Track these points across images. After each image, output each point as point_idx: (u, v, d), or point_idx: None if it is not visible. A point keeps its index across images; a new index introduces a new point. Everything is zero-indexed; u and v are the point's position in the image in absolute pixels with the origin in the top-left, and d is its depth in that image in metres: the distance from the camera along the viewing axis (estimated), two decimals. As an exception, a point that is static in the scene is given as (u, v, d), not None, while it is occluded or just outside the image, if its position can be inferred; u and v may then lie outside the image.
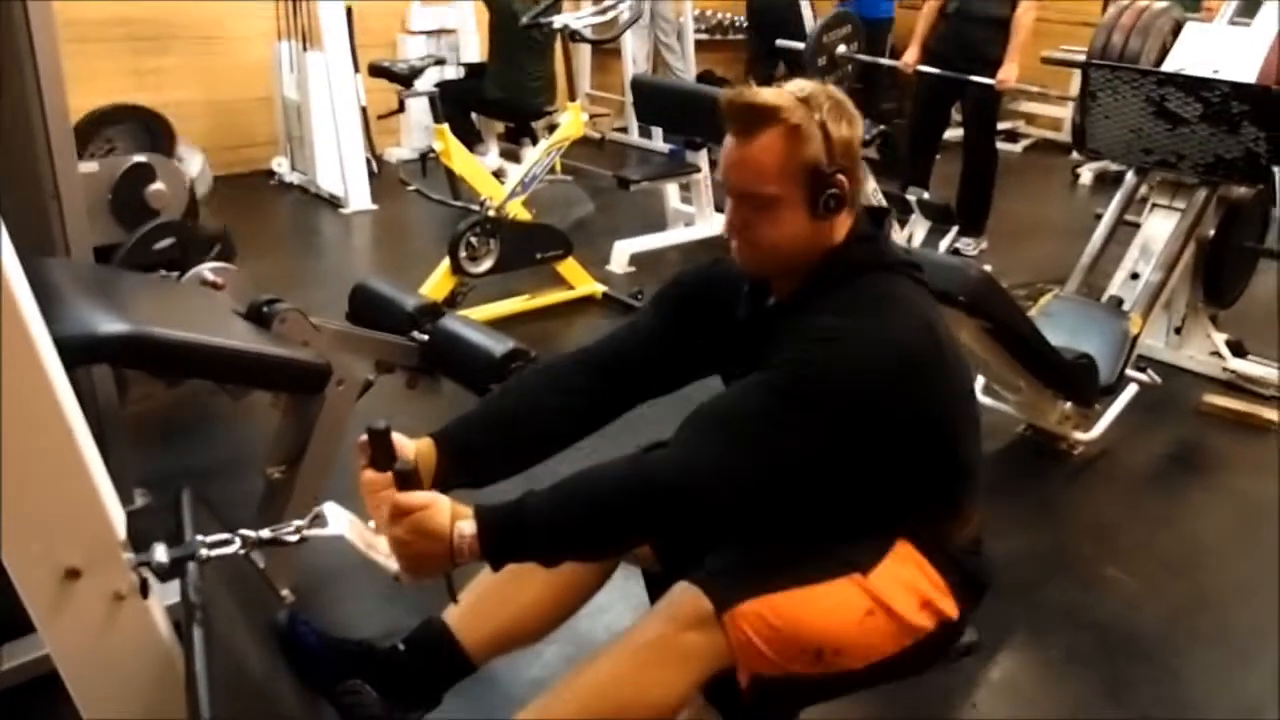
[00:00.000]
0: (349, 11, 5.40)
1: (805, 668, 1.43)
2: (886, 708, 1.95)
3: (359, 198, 5.36)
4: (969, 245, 4.92)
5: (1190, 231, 3.34)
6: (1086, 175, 6.50)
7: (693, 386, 1.64)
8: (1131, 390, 3.21)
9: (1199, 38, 3.41)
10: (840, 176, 1.40)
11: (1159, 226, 3.41)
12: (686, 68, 7.02)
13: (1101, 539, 2.66)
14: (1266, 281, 4.04)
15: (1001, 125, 6.07)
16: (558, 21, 4.23)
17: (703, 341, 1.59)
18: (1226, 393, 3.46)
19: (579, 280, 4.19)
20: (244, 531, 1.33)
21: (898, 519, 1.51)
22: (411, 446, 1.45)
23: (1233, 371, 3.53)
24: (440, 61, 4.59)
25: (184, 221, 2.75)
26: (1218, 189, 3.33)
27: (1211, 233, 3.40)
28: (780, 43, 5.47)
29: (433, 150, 4.10)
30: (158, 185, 2.73)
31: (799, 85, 1.42)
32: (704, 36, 7.36)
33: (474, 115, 5.56)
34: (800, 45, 4.74)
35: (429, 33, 6.16)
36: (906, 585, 1.47)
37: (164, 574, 1.24)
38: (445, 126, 3.95)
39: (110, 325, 1.64)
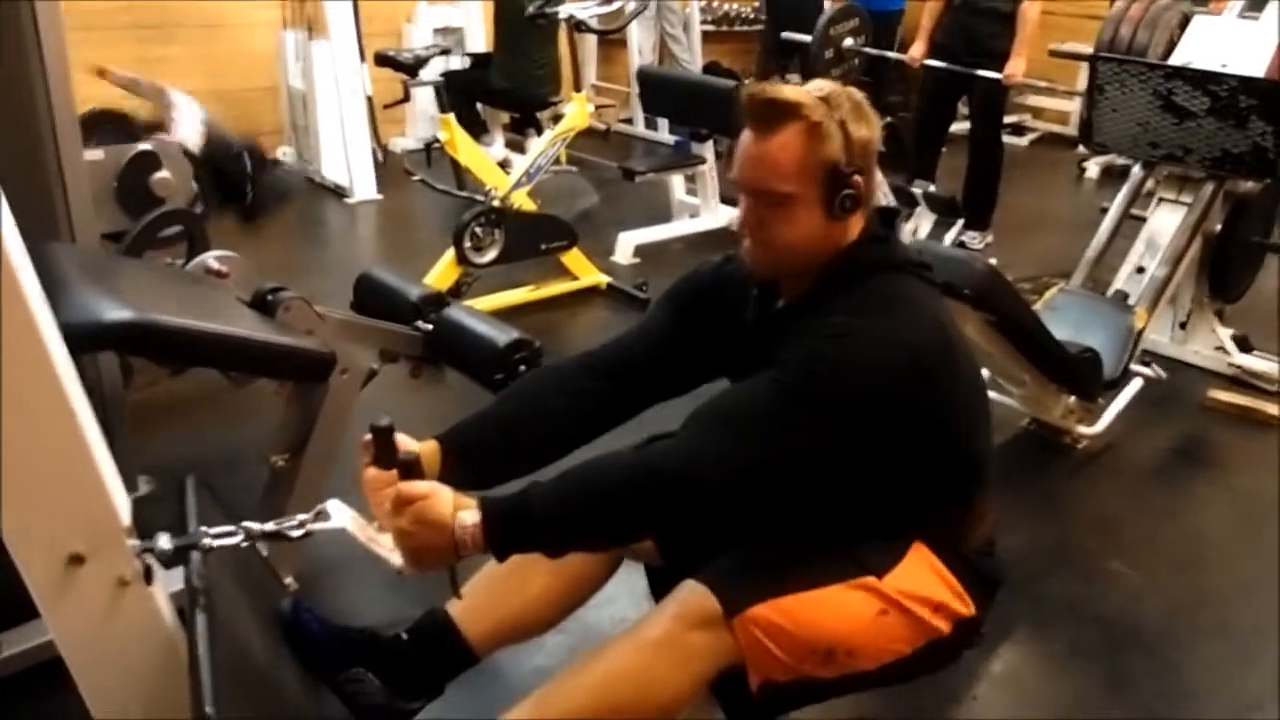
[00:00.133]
0: (355, 0, 5.39)
1: (817, 669, 1.43)
2: (887, 700, 1.95)
3: (364, 187, 5.36)
4: (974, 239, 4.91)
5: (1196, 226, 3.33)
6: (1093, 169, 6.48)
7: (704, 389, 1.63)
8: (1136, 385, 3.21)
9: (1207, 31, 3.40)
10: (857, 177, 1.40)
11: (1165, 221, 3.40)
12: (693, 59, 7.00)
13: (1105, 533, 2.66)
14: (1272, 276, 4.03)
15: (1008, 119, 6.05)
16: (563, 11, 4.21)
17: (710, 343, 1.59)
18: (1231, 388, 3.45)
19: (583, 271, 4.18)
20: (247, 524, 1.33)
21: (911, 519, 1.50)
22: (415, 447, 1.44)
23: (1238, 366, 3.52)
24: (446, 51, 4.58)
25: (189, 209, 2.75)
26: (1224, 183, 3.31)
27: (1218, 227, 3.39)
28: (786, 35, 5.45)
29: (438, 140, 4.09)
30: (163, 173, 2.73)
31: (819, 84, 1.41)
32: (710, 28, 7.34)
33: (479, 105, 5.55)
34: (808, 38, 4.73)
35: (435, 30, 6.16)
36: (921, 589, 1.46)
37: (168, 561, 1.24)
38: (450, 116, 3.95)
39: (115, 312, 1.64)
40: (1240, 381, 3.50)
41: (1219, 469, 3.11)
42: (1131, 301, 3.26)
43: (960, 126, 5.29)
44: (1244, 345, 3.57)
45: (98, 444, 1.19)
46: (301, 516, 1.38)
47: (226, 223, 3.11)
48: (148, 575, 1.22)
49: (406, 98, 4.45)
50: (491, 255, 3.87)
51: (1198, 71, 3.12)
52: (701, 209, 4.90)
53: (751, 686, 1.41)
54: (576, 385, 1.58)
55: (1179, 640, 2.25)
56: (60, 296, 1.58)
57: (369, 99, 5.57)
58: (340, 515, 1.38)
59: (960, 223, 4.69)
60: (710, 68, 7.12)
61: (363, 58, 5.39)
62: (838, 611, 1.42)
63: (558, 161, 4.48)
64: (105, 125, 3.16)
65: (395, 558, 1.31)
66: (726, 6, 7.56)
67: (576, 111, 4.23)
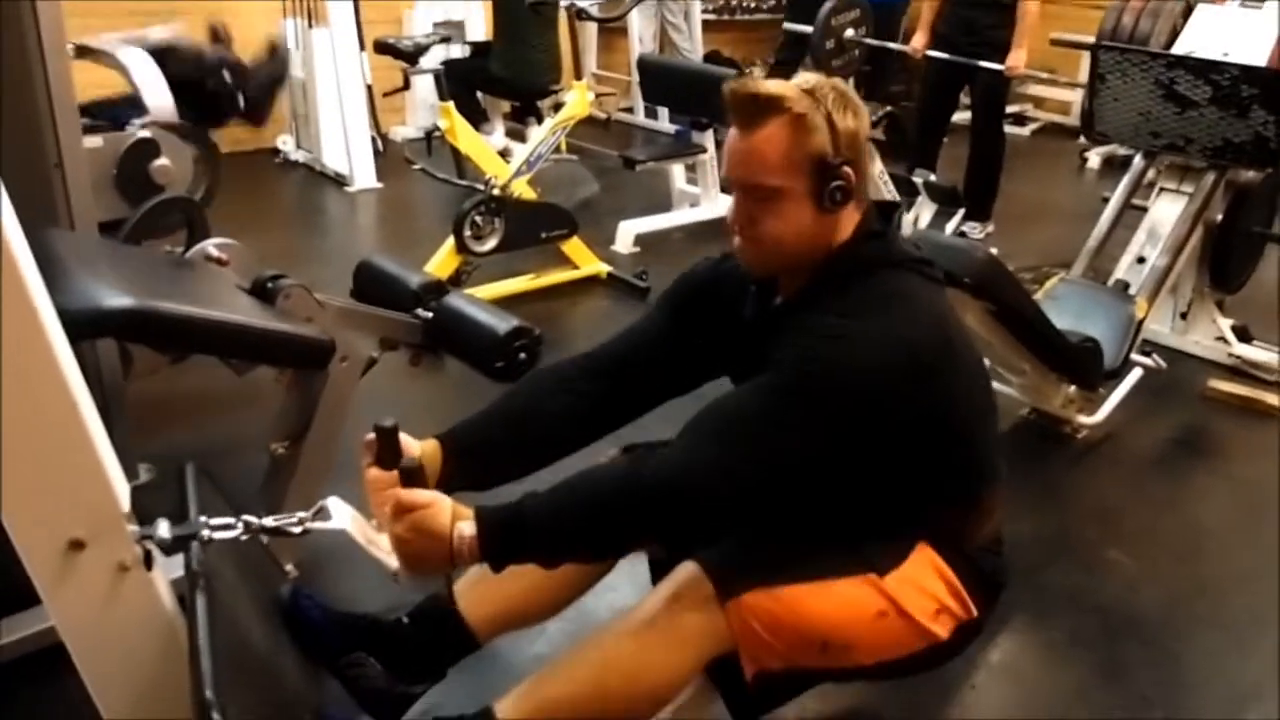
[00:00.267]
0: (355, -12, 5.38)
1: (811, 660, 1.43)
2: (885, 690, 1.95)
3: (364, 176, 5.35)
4: (975, 229, 4.90)
5: (1198, 216, 3.32)
6: (1094, 159, 6.48)
7: (708, 388, 1.63)
8: (1136, 374, 3.21)
9: (1210, 20, 3.39)
10: (846, 168, 1.38)
11: (1166, 210, 3.40)
12: (693, 48, 6.98)
13: (1104, 523, 2.67)
14: (1273, 267, 4.03)
15: (1009, 108, 6.04)
16: (564, -1, 4.21)
17: (709, 341, 1.58)
18: (1231, 378, 3.45)
19: (584, 260, 4.18)
20: (248, 517, 1.34)
21: (914, 517, 1.50)
22: (417, 446, 1.44)
23: (1238, 357, 3.52)
24: (446, 39, 4.57)
25: (189, 197, 2.74)
26: (1226, 173, 3.31)
27: (1219, 217, 3.38)
28: (787, 25, 5.44)
29: (438, 129, 4.08)
30: (162, 161, 2.72)
31: (804, 77, 1.41)
32: (711, 16, 7.33)
33: (479, 94, 5.54)
34: (808, 29, 4.72)
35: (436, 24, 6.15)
36: (923, 591, 1.46)
37: (167, 549, 1.24)
38: (451, 104, 3.94)
39: (114, 299, 1.64)
40: (1240, 372, 3.50)
41: (1219, 459, 3.11)
42: (1132, 291, 3.26)
43: (962, 116, 5.28)
44: (1244, 335, 3.57)
45: (97, 430, 1.19)
46: (302, 514, 1.38)
47: (226, 210, 3.11)
48: (148, 561, 1.23)
49: (406, 86, 4.45)
50: (491, 244, 3.87)
51: (1200, 61, 3.11)
52: (702, 198, 4.90)
53: (746, 676, 1.41)
54: (575, 386, 1.57)
55: (1178, 630, 2.25)
56: (59, 283, 1.57)
57: (369, 87, 5.56)
58: (340, 514, 1.38)
59: (961, 213, 4.69)
60: (711, 56, 7.11)
61: (362, 46, 5.38)
62: (835, 605, 1.41)
63: (558, 150, 4.47)
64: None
65: (392, 561, 1.31)
66: (727, -5, 7.55)
67: (577, 100, 4.22)
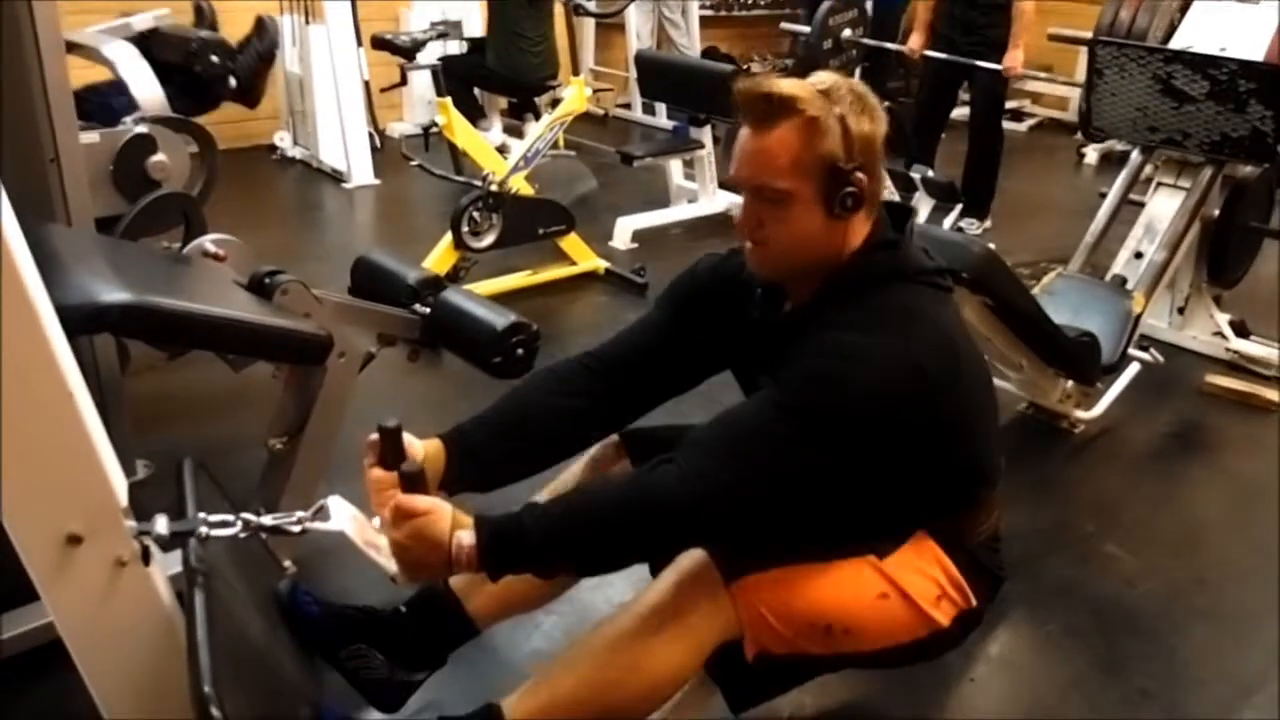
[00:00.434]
0: (352, -16, 5.37)
1: (814, 645, 1.43)
2: (884, 682, 1.96)
3: (361, 172, 5.35)
4: (973, 225, 4.91)
5: (1195, 211, 3.32)
6: (1091, 154, 6.48)
7: (712, 385, 1.63)
8: (1134, 369, 3.21)
9: (1207, 15, 3.39)
10: (859, 174, 1.34)
11: (1164, 205, 3.40)
12: (691, 44, 6.98)
13: (1102, 516, 2.67)
14: (1270, 262, 4.03)
15: (1007, 104, 6.04)
16: (562, -7, 4.21)
17: (712, 339, 1.57)
18: (1229, 373, 3.45)
19: (581, 256, 4.18)
20: (246, 515, 1.34)
21: (914, 518, 1.50)
22: (420, 446, 1.43)
23: (1235, 352, 3.53)
24: (443, 35, 4.57)
25: (186, 193, 2.73)
26: (1223, 168, 3.31)
27: (1216, 212, 3.38)
28: (785, 26, 5.44)
29: (436, 125, 4.08)
30: (159, 157, 2.71)
31: (820, 77, 1.37)
32: (709, 12, 7.32)
33: (477, 90, 5.53)
34: (806, 29, 4.74)
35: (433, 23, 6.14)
36: (923, 575, 1.47)
37: (165, 544, 1.24)
38: (448, 100, 3.94)
39: (112, 294, 1.63)
40: (1237, 366, 3.50)
41: (1216, 454, 3.12)
42: (1130, 286, 3.26)
43: (961, 113, 5.28)
44: (1241, 330, 3.57)
45: (95, 425, 1.19)
46: (301, 513, 1.38)
47: (224, 206, 3.11)
48: (145, 557, 1.22)
49: (403, 82, 4.43)
50: (489, 240, 3.86)
51: (1197, 55, 3.11)
52: (699, 194, 4.89)
53: (747, 656, 1.41)
54: (577, 386, 1.56)
55: (1173, 622, 2.26)
56: (57, 279, 1.57)
57: (366, 83, 5.55)
58: (341, 514, 1.37)
59: (958, 208, 4.70)
60: (709, 52, 7.11)
61: (359, 42, 5.37)
62: (838, 587, 1.42)
63: (556, 146, 4.47)
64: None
65: (391, 565, 1.31)
66: (725, -9, 7.55)
67: (574, 96, 4.22)
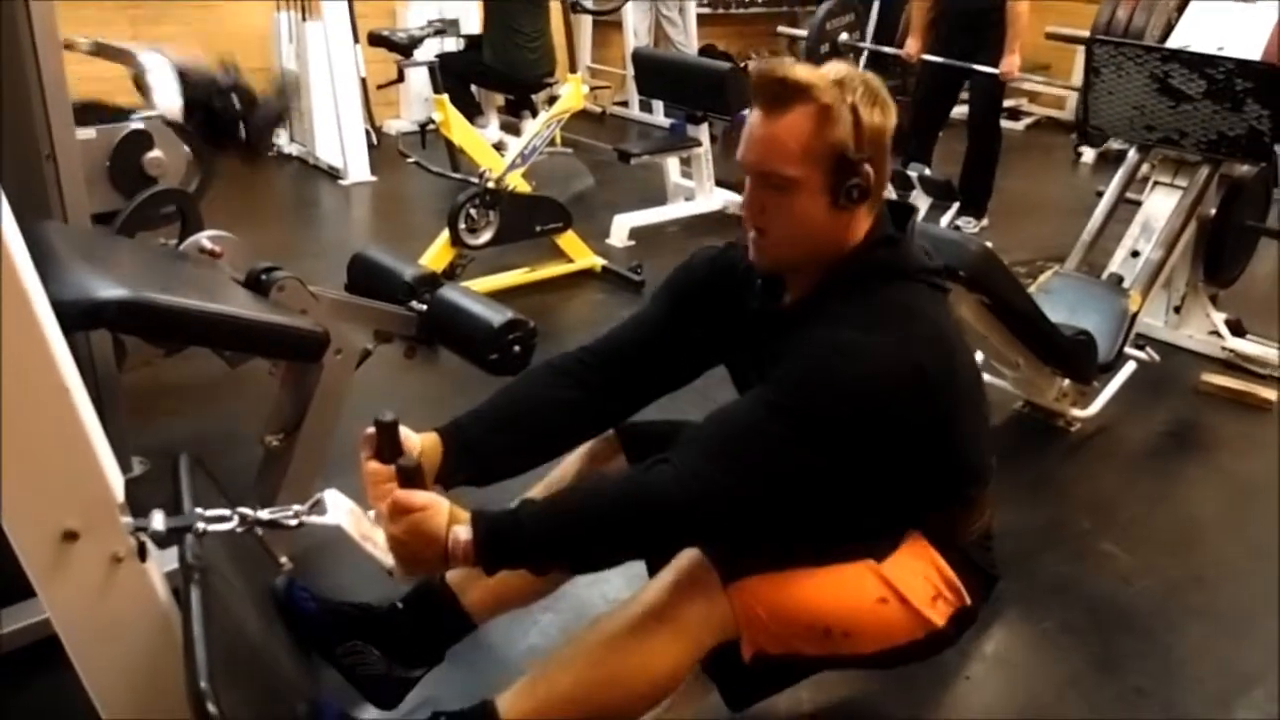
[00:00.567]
0: (349, -19, 5.36)
1: (812, 647, 1.43)
2: (879, 678, 1.96)
3: (358, 169, 5.34)
4: (970, 224, 4.91)
5: (1191, 209, 3.33)
6: (1088, 153, 6.48)
7: (709, 381, 1.63)
8: (1130, 368, 3.21)
9: (1204, 14, 3.39)
10: (866, 167, 1.35)
11: (1160, 204, 3.40)
12: (688, 41, 6.98)
13: (1097, 515, 2.67)
14: (1267, 261, 4.04)
15: (1004, 103, 6.05)
16: (559, -9, 4.20)
17: (709, 331, 1.56)
18: (1225, 372, 3.46)
19: (578, 253, 4.18)
20: (243, 510, 1.33)
21: (907, 517, 1.51)
22: (417, 440, 1.43)
23: (1231, 350, 3.53)
24: (440, 31, 4.56)
25: (182, 189, 2.73)
26: (1220, 167, 3.32)
27: (1213, 211, 3.39)
28: (781, 30, 5.45)
29: (432, 122, 4.07)
30: (155, 153, 2.71)
31: (833, 67, 1.37)
32: (706, 10, 7.32)
33: (474, 87, 5.52)
34: (803, 33, 4.74)
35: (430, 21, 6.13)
36: (920, 576, 1.47)
37: (162, 541, 1.24)
38: (445, 97, 3.93)
39: (108, 290, 1.63)
40: (1233, 365, 3.51)
41: (1211, 452, 3.12)
42: (1126, 285, 3.27)
43: (959, 111, 5.29)
44: (1237, 329, 3.58)
45: (91, 421, 1.19)
46: (297, 507, 1.37)
47: (220, 203, 3.10)
48: (142, 553, 1.22)
49: (400, 78, 4.42)
50: (486, 237, 3.86)
51: (1194, 54, 3.11)
52: (696, 192, 4.89)
53: (745, 656, 1.41)
54: (572, 379, 1.56)
55: (1169, 620, 2.26)
56: (53, 275, 1.57)
57: (363, 80, 5.55)
58: (337, 507, 1.37)
59: (955, 206, 4.70)
60: (706, 50, 7.11)
61: (356, 38, 5.36)
62: (836, 591, 1.42)
63: (553, 143, 4.46)
64: (93, 116, 3.14)
65: (388, 559, 1.31)
66: (722, -11, 7.55)
67: (571, 93, 4.21)
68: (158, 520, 1.22)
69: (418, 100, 6.06)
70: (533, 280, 4.05)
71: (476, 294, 2.30)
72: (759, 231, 1.41)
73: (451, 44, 5.64)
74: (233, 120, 3.03)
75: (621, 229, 4.59)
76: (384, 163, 5.45)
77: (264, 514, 1.34)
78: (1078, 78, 4.95)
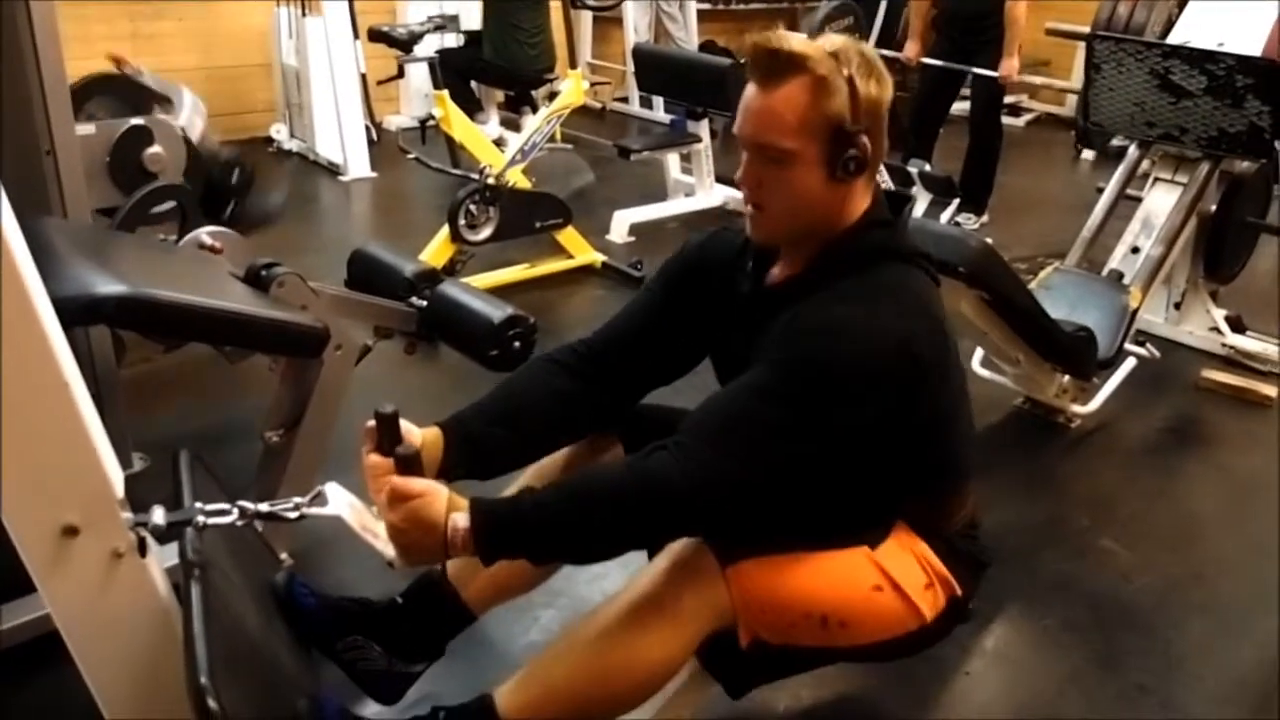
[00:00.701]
0: (349, -24, 5.35)
1: (809, 636, 1.43)
2: (879, 674, 1.96)
3: (358, 165, 5.33)
4: (970, 220, 4.91)
5: (1192, 206, 3.32)
6: (1089, 150, 6.47)
7: (706, 376, 1.62)
8: (1130, 364, 3.21)
9: (1205, 10, 3.38)
10: (863, 138, 1.33)
11: (1160, 201, 3.40)
12: (689, 37, 6.98)
13: (1098, 511, 2.67)
14: (1267, 257, 4.04)
15: (1005, 99, 6.05)
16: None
17: (704, 315, 1.56)
18: (1225, 368, 3.46)
19: (578, 250, 4.17)
20: (243, 503, 1.33)
21: (897, 505, 1.50)
22: (418, 434, 1.43)
23: (1231, 347, 3.53)
24: (440, 27, 4.56)
25: (182, 185, 2.73)
26: (1220, 163, 3.31)
27: (1213, 207, 3.39)
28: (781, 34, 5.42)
29: (432, 117, 4.07)
30: (155, 148, 2.71)
31: (829, 39, 1.36)
32: (706, 6, 7.31)
33: (474, 83, 5.52)
34: (802, 35, 4.75)
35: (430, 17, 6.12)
36: (912, 564, 1.47)
37: (162, 536, 1.24)
38: (445, 93, 3.93)
39: (108, 286, 1.63)
40: (1233, 362, 3.51)
41: (1211, 449, 3.12)
42: (1126, 281, 3.27)
43: (960, 107, 5.28)
44: (1237, 326, 3.58)
45: (91, 417, 1.19)
46: (298, 499, 1.37)
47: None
48: (142, 548, 1.22)
49: (401, 74, 4.42)
50: (486, 233, 3.86)
51: (1195, 50, 3.11)
52: (697, 188, 4.89)
53: (742, 643, 1.41)
54: (570, 370, 1.56)
55: (1170, 616, 2.26)
56: (53, 271, 1.57)
57: (363, 76, 5.54)
58: (337, 499, 1.37)
59: (956, 203, 4.70)
60: (706, 46, 7.10)
61: (356, 34, 5.36)
62: (832, 577, 1.42)
63: (553, 139, 4.46)
64: (111, 89, 3.16)
65: (389, 549, 1.30)
66: (723, -16, 7.53)
67: (572, 89, 4.21)
68: (158, 515, 1.22)
69: (418, 96, 6.06)
70: (533, 276, 4.05)
71: (476, 290, 2.30)
72: (756, 206, 1.40)
73: (451, 40, 5.63)
74: (223, 192, 3.09)
75: (622, 225, 4.59)
76: (384, 159, 5.44)
77: (264, 506, 1.34)
78: (1078, 74, 4.95)
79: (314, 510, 1.36)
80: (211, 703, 1.06)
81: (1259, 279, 3.98)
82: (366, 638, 1.57)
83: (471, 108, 5.24)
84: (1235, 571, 2.45)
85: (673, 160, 4.97)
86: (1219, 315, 3.58)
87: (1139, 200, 3.49)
